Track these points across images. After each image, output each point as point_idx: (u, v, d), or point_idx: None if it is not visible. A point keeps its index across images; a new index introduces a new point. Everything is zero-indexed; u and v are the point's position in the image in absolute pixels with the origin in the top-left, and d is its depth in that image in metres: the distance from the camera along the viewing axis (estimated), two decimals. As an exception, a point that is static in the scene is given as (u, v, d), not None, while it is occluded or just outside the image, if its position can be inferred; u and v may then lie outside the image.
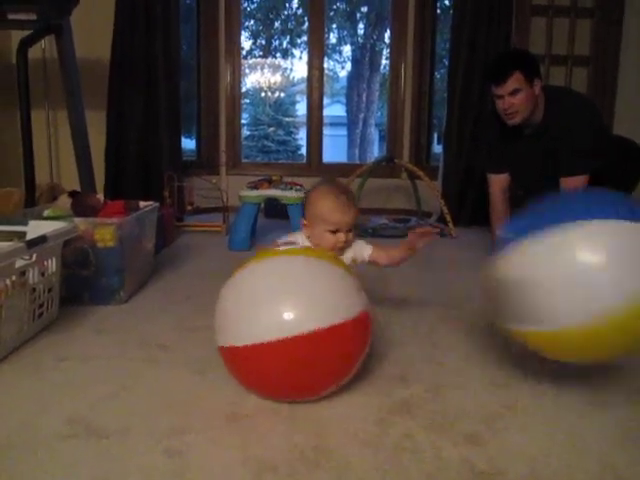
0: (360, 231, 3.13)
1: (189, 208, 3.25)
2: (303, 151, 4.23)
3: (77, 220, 1.74)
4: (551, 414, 1.13)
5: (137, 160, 3.26)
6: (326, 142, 4.11)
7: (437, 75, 4.12)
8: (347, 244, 1.49)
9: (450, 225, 3.15)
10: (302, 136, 8.63)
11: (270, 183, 2.79)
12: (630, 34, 3.47)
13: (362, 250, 1.54)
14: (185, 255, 2.53)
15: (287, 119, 10.20)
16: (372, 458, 0.96)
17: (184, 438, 1.01)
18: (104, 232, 1.73)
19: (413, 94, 3.91)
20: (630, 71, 3.49)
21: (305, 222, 1.49)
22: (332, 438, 1.02)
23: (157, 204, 2.13)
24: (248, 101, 10.49)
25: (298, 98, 9.89)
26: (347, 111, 10.22)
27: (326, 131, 4.15)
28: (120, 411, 1.10)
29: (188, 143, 4.19)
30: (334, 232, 1.45)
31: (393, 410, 1.13)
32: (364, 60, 9.78)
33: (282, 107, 10.47)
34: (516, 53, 2.56)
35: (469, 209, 3.43)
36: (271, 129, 9.98)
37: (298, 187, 2.78)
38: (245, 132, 10.19)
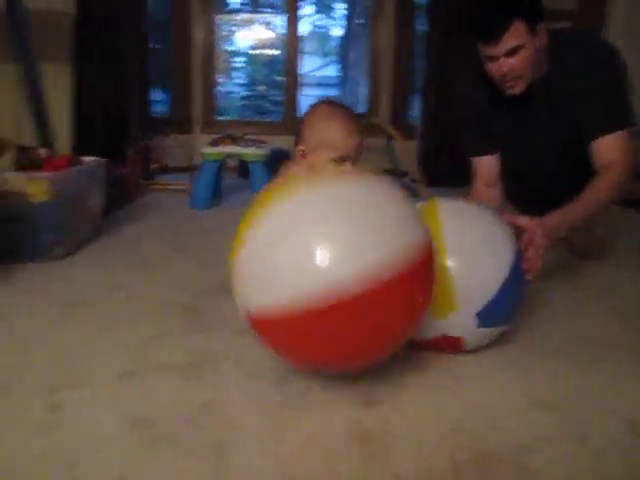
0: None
1: (156, 166, 3.18)
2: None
3: (9, 174, 1.70)
4: (446, 377, 1.10)
5: (103, 116, 3.17)
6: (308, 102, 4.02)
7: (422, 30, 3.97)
8: None
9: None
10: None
11: (233, 140, 2.72)
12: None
13: None
14: (143, 214, 2.47)
15: (283, 78, 9.93)
16: (257, 416, 0.94)
17: (69, 394, 0.98)
18: (36, 186, 1.68)
19: (395, 47, 3.81)
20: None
21: (302, 149, 1.18)
22: (225, 396, 0.99)
23: (103, 160, 2.07)
24: (244, 59, 10.21)
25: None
26: (341, 69, 9.96)
27: (317, 91, 4.06)
28: (5, 369, 1.07)
29: (161, 101, 4.09)
30: (339, 162, 1.15)
31: (296, 369, 1.10)
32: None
33: (278, 66, 10.21)
34: None
35: (444, 168, 3.36)
36: (261, 88, 9.75)
37: (261, 144, 2.71)
38: (243, 92, 9.93)
